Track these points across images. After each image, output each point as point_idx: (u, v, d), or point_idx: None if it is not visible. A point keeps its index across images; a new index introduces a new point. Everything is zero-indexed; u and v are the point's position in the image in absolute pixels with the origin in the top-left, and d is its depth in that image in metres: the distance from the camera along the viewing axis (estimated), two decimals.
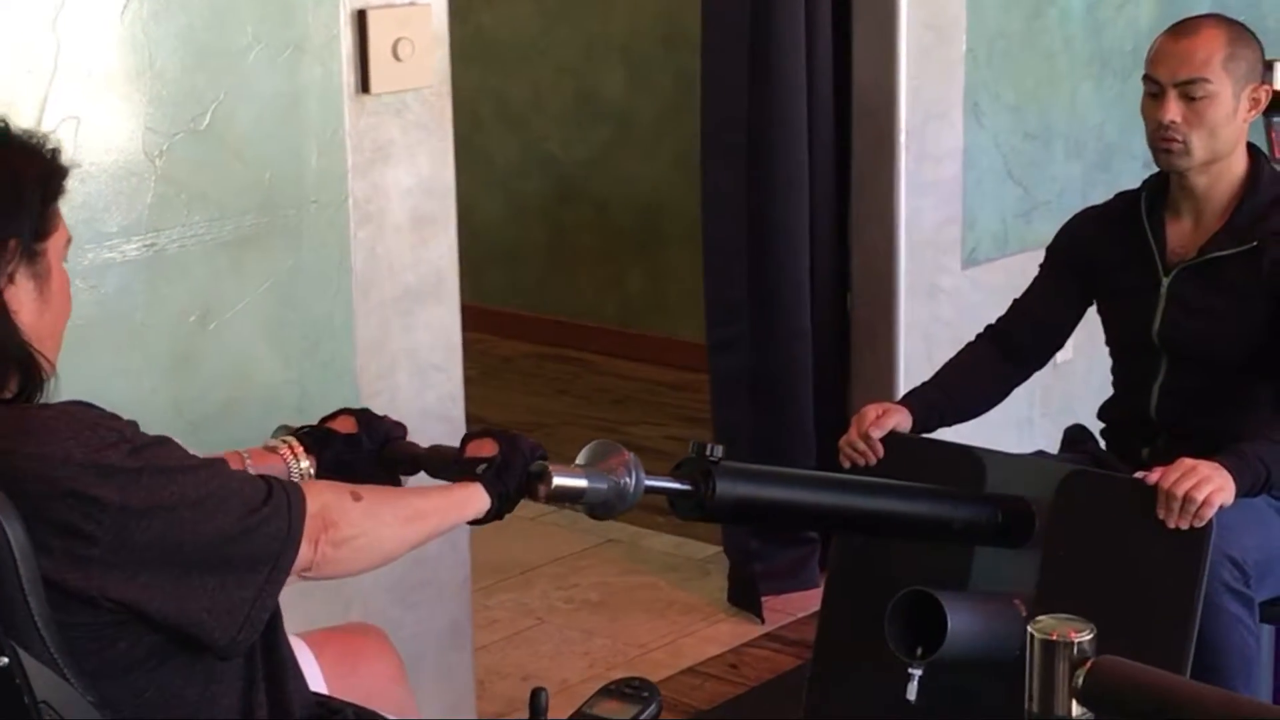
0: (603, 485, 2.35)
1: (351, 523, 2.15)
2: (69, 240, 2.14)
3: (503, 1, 6.76)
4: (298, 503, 2.10)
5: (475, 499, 2.33)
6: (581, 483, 2.35)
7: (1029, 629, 1.59)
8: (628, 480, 2.36)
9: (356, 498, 2.17)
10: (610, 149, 6.65)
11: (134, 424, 2.05)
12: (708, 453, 2.52)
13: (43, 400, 2.08)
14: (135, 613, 1.98)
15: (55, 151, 2.11)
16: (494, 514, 2.35)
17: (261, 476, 2.13)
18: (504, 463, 2.34)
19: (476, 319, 6.52)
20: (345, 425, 2.52)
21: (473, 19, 6.69)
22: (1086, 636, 1.61)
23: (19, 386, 2.05)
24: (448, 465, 2.43)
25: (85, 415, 2.01)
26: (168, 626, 2.01)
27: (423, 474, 2.54)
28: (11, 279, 2.03)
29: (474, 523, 2.37)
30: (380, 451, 2.52)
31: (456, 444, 2.47)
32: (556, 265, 6.91)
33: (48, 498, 1.93)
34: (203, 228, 3.09)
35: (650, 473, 2.43)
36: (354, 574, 2.26)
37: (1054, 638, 1.59)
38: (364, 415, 2.54)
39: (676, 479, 2.54)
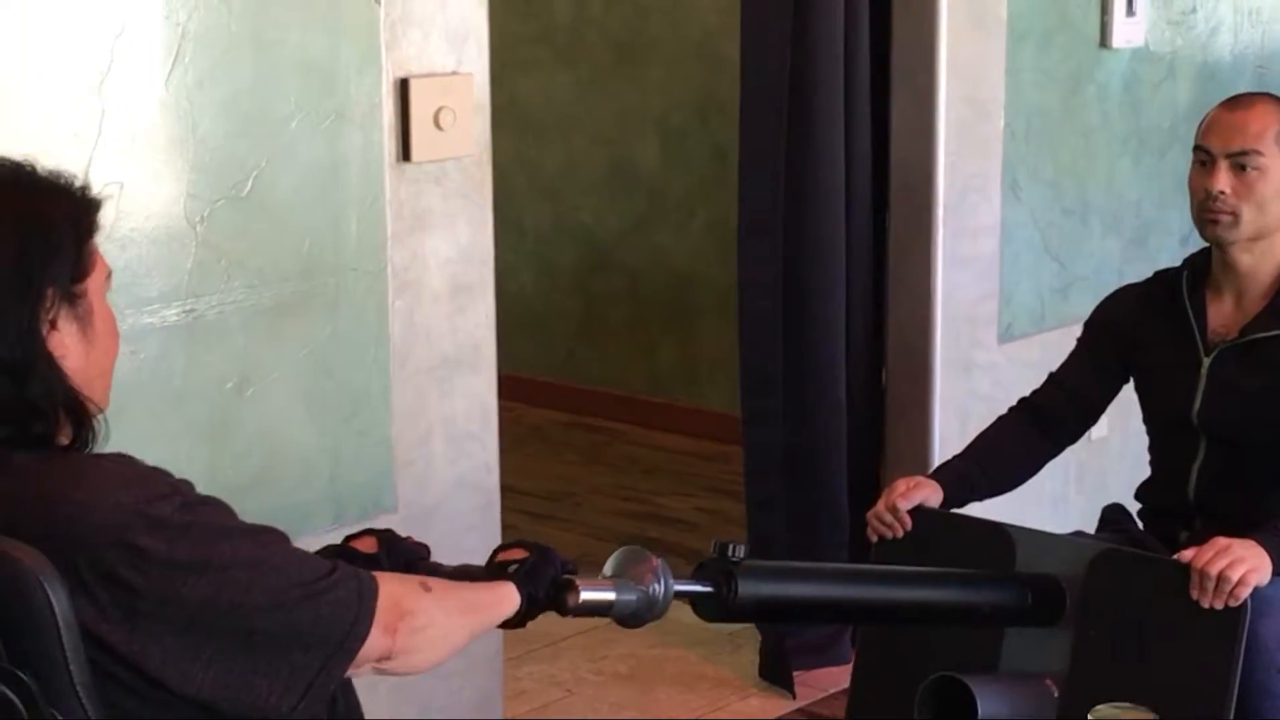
0: (631, 597, 2.32)
1: (425, 611, 2.12)
2: (109, 274, 2.10)
3: (538, 71, 6.78)
4: (369, 585, 2.07)
5: (509, 597, 2.28)
6: (610, 595, 2.32)
7: (1088, 718, 1.57)
8: (657, 587, 2.33)
9: (426, 588, 2.15)
10: (643, 220, 6.66)
11: (189, 483, 2.03)
12: (730, 553, 2.50)
13: (97, 445, 2.06)
14: (182, 694, 1.95)
15: (85, 188, 2.07)
16: (521, 616, 2.31)
17: (328, 557, 2.10)
18: (535, 566, 2.31)
19: (507, 387, 6.49)
20: (367, 545, 2.47)
21: (507, 88, 6.70)
22: None
23: (73, 433, 2.03)
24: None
25: (137, 466, 2.00)
26: (217, 702, 1.97)
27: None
28: (54, 325, 2.00)
29: (501, 625, 2.33)
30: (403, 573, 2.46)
31: (489, 530, 2.42)
32: (587, 335, 6.90)
33: (96, 545, 1.91)
34: (242, 294, 3.09)
35: (677, 576, 2.41)
36: (426, 668, 2.19)
37: None
38: (386, 536, 2.49)
39: (698, 580, 2.51)
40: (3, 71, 2.78)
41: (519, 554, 2.35)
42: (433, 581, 2.19)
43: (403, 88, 3.26)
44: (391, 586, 2.10)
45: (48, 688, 1.87)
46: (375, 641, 2.06)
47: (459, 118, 3.33)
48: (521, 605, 2.29)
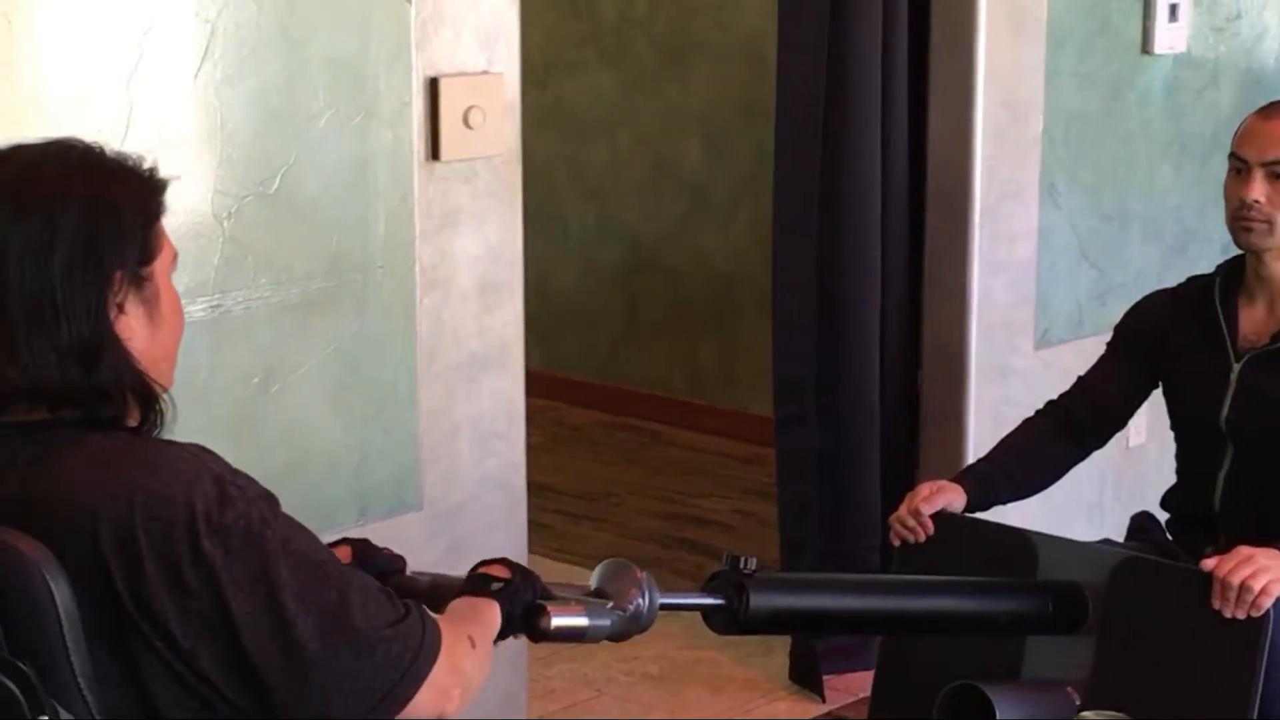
0: (605, 622, 2.28)
1: (469, 669, 2.08)
2: (176, 255, 2.10)
3: (583, 72, 6.79)
4: (430, 647, 2.02)
5: (498, 619, 2.24)
6: (582, 621, 2.28)
7: None
8: (641, 602, 2.30)
9: (472, 642, 2.11)
10: (686, 220, 6.65)
11: (270, 495, 1.99)
12: (741, 565, 2.48)
13: (165, 426, 2.04)
14: (223, 695, 1.94)
15: (152, 170, 2.07)
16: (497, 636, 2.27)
17: (405, 600, 2.04)
18: (517, 589, 2.26)
19: (548, 386, 6.54)
20: (341, 554, 2.39)
21: (553, 88, 6.72)
22: None
23: (141, 415, 2.01)
24: (453, 597, 2.31)
25: (213, 465, 1.96)
26: (251, 714, 1.94)
27: None
28: (121, 309, 1.99)
29: None
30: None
31: (474, 550, 2.38)
32: (629, 335, 6.90)
33: (163, 538, 1.89)
34: (269, 290, 3.10)
35: (680, 590, 2.38)
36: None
37: None
38: (361, 546, 2.43)
39: (709, 594, 2.50)
40: (32, 67, 2.80)
41: (500, 570, 2.29)
42: (473, 630, 2.15)
43: (432, 86, 3.26)
44: (450, 646, 2.05)
45: (49, 679, 1.87)
46: (425, 701, 2.00)
47: (489, 117, 3.33)
48: (500, 627, 2.24)
